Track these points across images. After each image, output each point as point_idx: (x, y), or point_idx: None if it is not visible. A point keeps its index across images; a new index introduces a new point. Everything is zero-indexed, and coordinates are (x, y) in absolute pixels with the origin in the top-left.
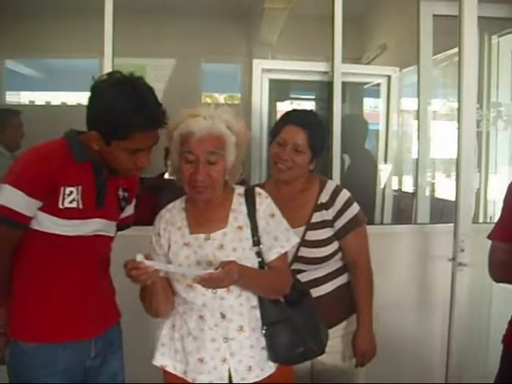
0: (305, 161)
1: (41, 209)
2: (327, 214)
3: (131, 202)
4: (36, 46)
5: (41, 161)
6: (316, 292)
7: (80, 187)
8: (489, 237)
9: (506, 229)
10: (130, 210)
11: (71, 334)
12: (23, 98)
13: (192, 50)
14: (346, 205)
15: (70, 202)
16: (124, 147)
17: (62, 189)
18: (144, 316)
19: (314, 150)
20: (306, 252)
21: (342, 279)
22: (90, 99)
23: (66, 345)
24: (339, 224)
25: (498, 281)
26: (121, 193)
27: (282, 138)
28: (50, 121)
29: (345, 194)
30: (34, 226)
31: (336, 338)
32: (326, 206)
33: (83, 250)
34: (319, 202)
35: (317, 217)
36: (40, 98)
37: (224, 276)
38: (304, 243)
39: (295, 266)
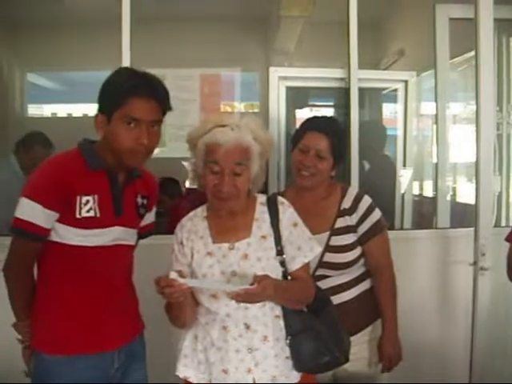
0: (327, 167)
1: (59, 220)
2: (350, 220)
3: (151, 209)
4: (56, 59)
5: (55, 172)
6: (340, 298)
7: (96, 196)
8: (507, 239)
9: None
10: (150, 218)
11: (94, 346)
12: (45, 110)
13: (210, 58)
14: (369, 210)
15: (87, 211)
16: (121, 116)
17: (79, 198)
18: (166, 326)
19: (335, 156)
20: (330, 257)
21: (365, 285)
22: None
23: (89, 357)
24: (362, 229)
25: None
26: (139, 200)
27: (304, 144)
28: (72, 132)
29: (367, 200)
30: (54, 238)
31: (361, 343)
32: (349, 211)
33: (104, 261)
34: (342, 208)
35: (340, 222)
36: (62, 110)
37: (261, 291)
38: (328, 249)
39: (320, 272)
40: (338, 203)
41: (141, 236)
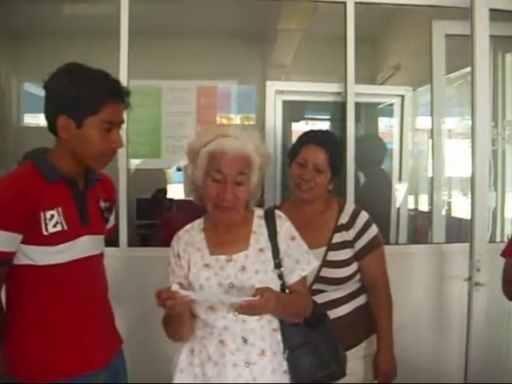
0: (325, 180)
1: (25, 242)
2: (348, 235)
3: (112, 211)
4: (53, 69)
5: (12, 191)
6: (335, 313)
7: (60, 208)
8: (502, 254)
9: None
10: (112, 221)
11: (78, 369)
12: (41, 120)
13: (207, 71)
14: (366, 226)
15: (54, 226)
16: (96, 123)
17: (42, 214)
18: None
19: (333, 169)
20: (327, 272)
21: (360, 300)
22: (50, 90)
23: (73, 381)
24: (359, 245)
25: (511, 299)
26: (102, 203)
27: (302, 158)
28: None
29: (364, 216)
30: (24, 261)
31: (355, 359)
32: (347, 226)
33: (78, 276)
34: (339, 223)
35: (337, 237)
36: None
37: (264, 304)
38: (325, 264)
39: (316, 287)
40: (336, 218)
41: (106, 241)
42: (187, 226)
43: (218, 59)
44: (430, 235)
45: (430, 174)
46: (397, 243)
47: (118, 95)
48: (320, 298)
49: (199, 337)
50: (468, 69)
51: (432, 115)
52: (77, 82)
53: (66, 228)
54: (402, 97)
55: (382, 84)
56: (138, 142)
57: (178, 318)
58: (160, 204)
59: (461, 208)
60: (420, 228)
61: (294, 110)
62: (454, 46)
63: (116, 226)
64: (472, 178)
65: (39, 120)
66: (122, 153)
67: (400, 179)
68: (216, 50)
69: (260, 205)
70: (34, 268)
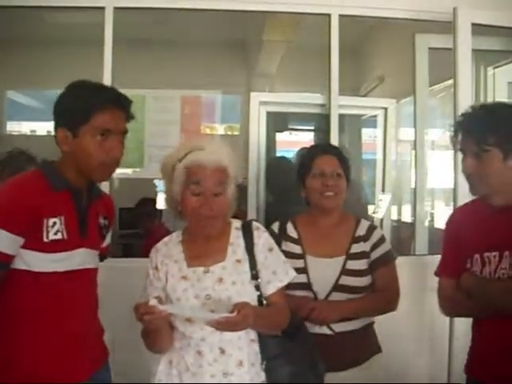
0: (345, 185)
1: (25, 246)
2: (365, 246)
3: (109, 230)
4: (37, 77)
5: (20, 194)
6: (346, 326)
7: (62, 217)
8: (435, 273)
9: (449, 265)
10: (108, 240)
11: (61, 378)
12: (24, 127)
13: (192, 81)
14: (381, 240)
15: (55, 234)
16: (90, 131)
17: (45, 221)
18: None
19: (346, 174)
20: (347, 280)
21: (368, 318)
22: (54, 105)
23: None
24: (374, 255)
25: (449, 316)
26: (101, 220)
27: (318, 169)
28: (51, 150)
29: (379, 231)
30: (21, 265)
31: (357, 378)
32: (364, 238)
33: (73, 286)
34: (357, 235)
35: (356, 248)
36: (41, 127)
37: (241, 320)
38: (345, 272)
39: (333, 297)
40: (353, 230)
41: (100, 258)
42: (165, 239)
43: (202, 69)
44: (412, 246)
45: (413, 185)
46: None
47: (111, 102)
48: None
49: (177, 348)
50: (450, 81)
51: (415, 127)
52: (71, 94)
53: (65, 237)
54: (386, 109)
55: (365, 95)
56: None
57: (156, 332)
58: (143, 214)
59: (444, 219)
60: (403, 239)
61: (278, 121)
62: (437, 58)
63: None
64: (454, 189)
65: (22, 127)
66: None
67: (383, 190)
68: (201, 60)
69: (241, 216)
70: (28, 273)
